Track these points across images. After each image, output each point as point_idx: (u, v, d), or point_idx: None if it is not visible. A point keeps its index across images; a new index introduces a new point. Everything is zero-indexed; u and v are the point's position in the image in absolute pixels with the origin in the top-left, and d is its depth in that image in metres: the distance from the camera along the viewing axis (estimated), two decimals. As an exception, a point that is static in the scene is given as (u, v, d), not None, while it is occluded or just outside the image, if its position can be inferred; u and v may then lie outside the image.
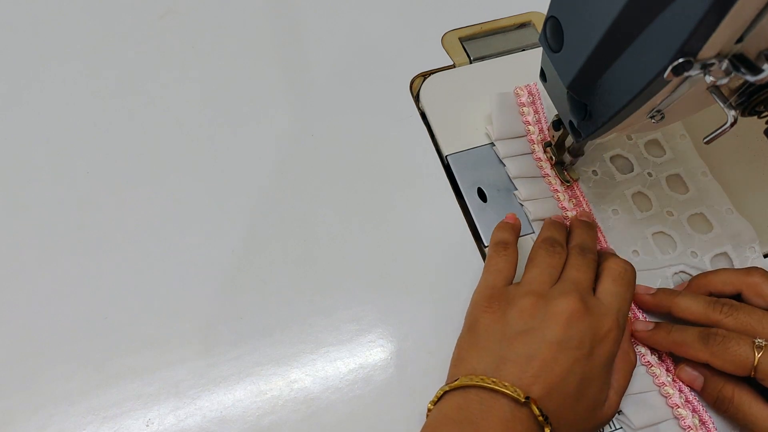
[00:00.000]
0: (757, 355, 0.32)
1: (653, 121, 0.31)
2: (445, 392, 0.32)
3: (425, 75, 0.48)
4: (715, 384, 0.35)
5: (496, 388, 0.31)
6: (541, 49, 0.35)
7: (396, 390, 0.37)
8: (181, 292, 0.39)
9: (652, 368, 0.37)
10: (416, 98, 0.47)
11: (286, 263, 0.40)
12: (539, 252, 0.37)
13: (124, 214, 0.41)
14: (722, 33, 0.24)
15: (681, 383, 0.36)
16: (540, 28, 0.39)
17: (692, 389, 0.36)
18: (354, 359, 0.38)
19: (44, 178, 0.42)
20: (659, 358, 0.37)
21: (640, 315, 0.39)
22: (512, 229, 0.39)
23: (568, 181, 0.43)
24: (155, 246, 0.40)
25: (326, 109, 0.46)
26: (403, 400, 0.36)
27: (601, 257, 0.38)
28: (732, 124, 0.28)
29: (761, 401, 0.33)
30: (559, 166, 0.43)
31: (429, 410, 0.33)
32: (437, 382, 0.37)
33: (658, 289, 0.39)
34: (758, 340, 0.33)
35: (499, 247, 0.38)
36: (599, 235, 0.41)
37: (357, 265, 0.40)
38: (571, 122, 0.36)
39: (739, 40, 0.25)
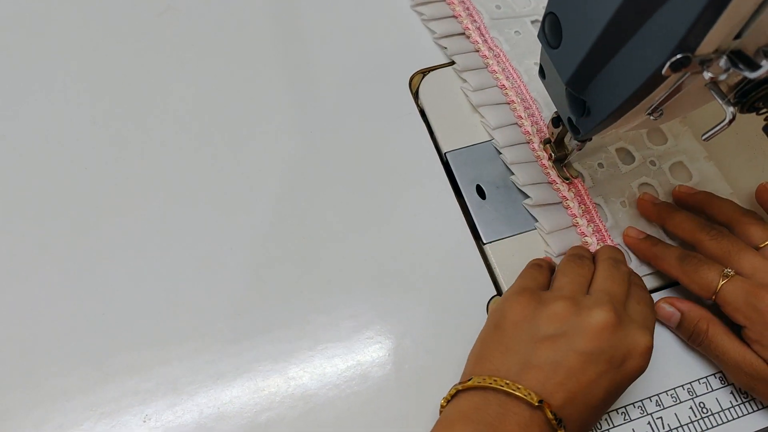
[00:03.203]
0: (722, 282, 0.35)
1: (652, 117, 0.31)
2: (461, 390, 0.32)
3: (424, 72, 0.48)
4: (690, 319, 0.37)
5: (515, 393, 0.30)
6: (540, 45, 0.35)
7: (393, 387, 0.37)
8: (179, 289, 0.39)
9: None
10: (415, 95, 0.47)
11: (284, 260, 0.40)
12: (568, 263, 0.37)
13: (122, 212, 0.41)
14: (720, 29, 0.24)
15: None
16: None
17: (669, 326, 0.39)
18: (352, 356, 0.38)
19: (43, 175, 0.42)
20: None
21: None
22: (546, 264, 0.39)
23: (567, 179, 0.43)
24: (153, 243, 0.40)
25: (324, 105, 0.46)
26: (400, 398, 0.36)
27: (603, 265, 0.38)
28: (731, 121, 0.28)
29: (732, 335, 0.36)
30: (558, 163, 0.43)
31: (442, 406, 0.33)
32: (434, 379, 0.37)
33: (661, 201, 0.41)
34: (727, 270, 0.36)
35: (533, 264, 0.39)
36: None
37: (355, 262, 0.40)
38: (570, 119, 0.36)
39: (738, 36, 0.25)
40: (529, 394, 0.30)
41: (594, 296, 0.34)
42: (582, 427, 0.31)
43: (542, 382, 0.31)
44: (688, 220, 0.39)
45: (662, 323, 0.39)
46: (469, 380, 0.32)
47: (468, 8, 0.50)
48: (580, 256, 0.38)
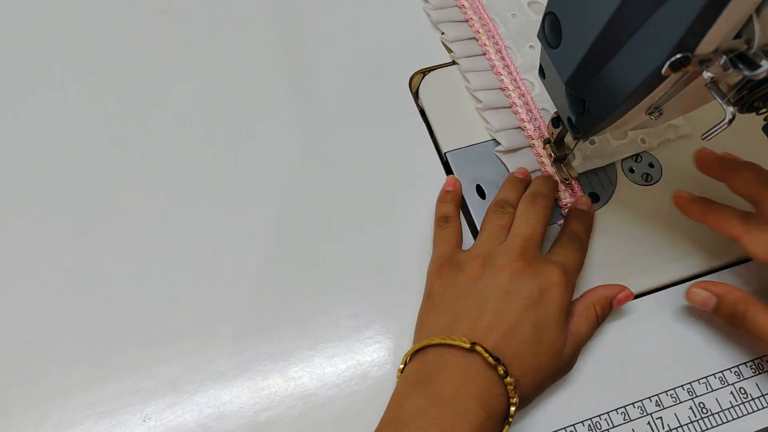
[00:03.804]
0: None
1: (652, 117, 0.31)
2: (406, 364, 0.34)
3: (424, 72, 0.48)
4: (728, 302, 0.36)
5: (446, 342, 0.32)
6: (540, 45, 0.35)
7: (393, 387, 0.36)
8: (178, 288, 0.39)
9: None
10: (415, 95, 0.47)
11: (284, 260, 0.40)
12: (490, 216, 0.39)
13: (122, 211, 0.41)
14: (720, 28, 0.24)
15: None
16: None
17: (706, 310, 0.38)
18: (351, 356, 0.38)
19: (43, 173, 0.42)
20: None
21: None
22: (452, 200, 0.41)
23: (567, 179, 0.43)
24: (153, 242, 0.40)
25: (324, 105, 0.46)
26: (400, 397, 0.36)
27: (566, 220, 0.40)
28: (730, 121, 0.28)
29: None
30: (558, 163, 0.43)
31: (398, 378, 0.34)
32: (435, 378, 0.37)
33: (724, 154, 0.38)
34: None
35: (441, 221, 0.40)
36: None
37: (355, 262, 0.40)
38: (569, 118, 0.36)
39: (737, 35, 0.25)
40: (461, 339, 0.32)
41: (506, 243, 0.36)
42: (523, 363, 0.33)
43: (472, 328, 0.33)
44: (754, 176, 0.36)
45: (695, 310, 0.38)
46: (410, 349, 0.34)
47: (481, 17, 0.49)
48: (502, 203, 0.39)
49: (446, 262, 0.37)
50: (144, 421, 0.35)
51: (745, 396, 0.37)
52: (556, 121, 0.41)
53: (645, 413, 0.37)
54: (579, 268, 0.38)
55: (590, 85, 0.31)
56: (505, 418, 0.32)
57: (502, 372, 0.31)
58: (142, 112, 0.45)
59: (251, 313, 0.38)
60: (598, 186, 0.44)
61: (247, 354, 0.37)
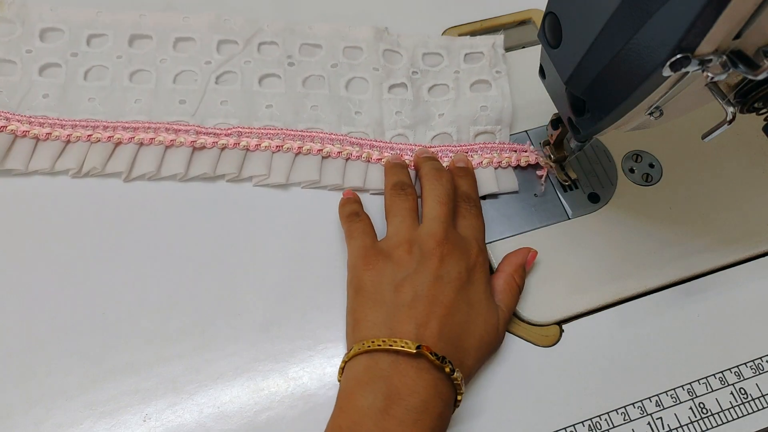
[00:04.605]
0: None
1: (652, 117, 0.31)
2: (348, 361, 0.34)
3: (425, 72, 0.48)
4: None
5: (394, 348, 0.32)
6: (540, 46, 0.35)
7: (393, 386, 0.37)
8: (178, 288, 0.39)
9: None
10: (416, 95, 0.47)
11: (283, 259, 0.40)
12: (394, 201, 0.39)
13: (122, 210, 0.41)
14: (720, 29, 0.24)
15: None
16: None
17: None
18: (352, 356, 0.38)
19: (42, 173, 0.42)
20: None
21: None
22: (356, 201, 0.41)
23: (566, 180, 0.43)
24: (153, 241, 0.40)
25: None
26: (400, 397, 0.36)
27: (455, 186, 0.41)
28: (730, 121, 0.28)
29: None
30: (557, 164, 0.43)
31: (339, 381, 0.34)
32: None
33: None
34: None
35: (351, 217, 0.40)
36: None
37: (355, 261, 0.40)
38: (570, 119, 0.36)
39: (737, 36, 0.25)
40: (407, 344, 0.32)
41: (425, 227, 0.37)
42: (463, 345, 0.34)
43: (413, 318, 0.33)
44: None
45: None
46: (352, 350, 0.33)
47: None
48: (401, 185, 0.40)
49: (371, 253, 0.36)
50: (144, 421, 0.35)
51: (745, 396, 0.37)
52: (555, 122, 0.41)
53: (645, 413, 0.37)
54: (485, 232, 0.40)
55: (590, 85, 0.31)
56: (455, 403, 0.33)
57: (448, 370, 0.32)
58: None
59: (251, 312, 0.38)
60: (598, 186, 0.44)
61: (247, 354, 0.37)
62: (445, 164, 0.43)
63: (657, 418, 0.36)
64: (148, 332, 0.37)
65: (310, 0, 0.51)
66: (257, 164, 0.42)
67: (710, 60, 0.25)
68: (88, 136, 0.42)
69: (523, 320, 0.39)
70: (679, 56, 0.25)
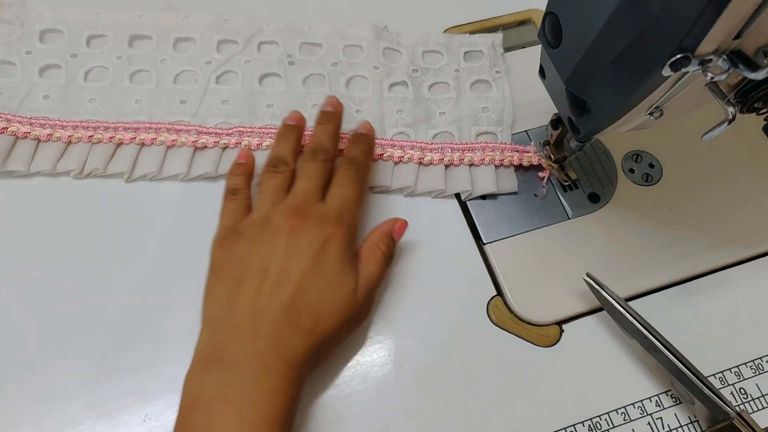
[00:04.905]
0: None
1: (652, 117, 0.31)
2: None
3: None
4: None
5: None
6: (540, 46, 0.35)
7: (392, 387, 0.37)
8: (178, 288, 0.39)
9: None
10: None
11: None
12: (264, 178, 0.39)
13: (124, 210, 0.41)
14: (720, 29, 0.24)
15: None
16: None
17: None
18: (351, 356, 0.37)
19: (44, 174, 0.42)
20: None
21: None
22: (243, 173, 0.40)
23: (566, 180, 0.43)
24: (154, 241, 0.40)
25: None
26: (399, 397, 0.36)
27: (345, 148, 0.41)
28: (730, 121, 0.28)
29: None
30: (557, 164, 0.43)
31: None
32: (434, 379, 0.37)
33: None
34: None
35: (229, 194, 0.39)
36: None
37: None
38: (570, 119, 0.36)
39: (737, 36, 0.25)
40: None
41: (283, 203, 0.37)
42: (317, 310, 0.34)
43: (258, 287, 0.33)
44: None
45: None
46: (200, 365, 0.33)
47: None
48: (275, 162, 0.39)
49: (228, 233, 0.37)
50: (144, 421, 0.35)
51: (745, 396, 0.37)
52: (555, 122, 0.41)
53: (645, 413, 0.37)
54: (357, 201, 0.38)
55: (590, 85, 0.31)
56: (307, 363, 0.33)
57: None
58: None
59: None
60: (598, 186, 0.44)
61: (248, 354, 0.37)
62: (446, 161, 0.43)
63: (657, 418, 0.36)
64: (148, 332, 0.37)
65: (310, 1, 0.51)
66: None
67: (710, 60, 0.25)
68: (89, 137, 0.42)
69: (523, 320, 0.39)
70: (679, 56, 0.25)
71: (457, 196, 0.43)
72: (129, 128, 0.42)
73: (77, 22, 0.46)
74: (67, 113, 0.43)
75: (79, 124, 0.42)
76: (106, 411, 0.35)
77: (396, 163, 0.43)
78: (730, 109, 0.28)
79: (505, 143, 0.44)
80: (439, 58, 0.48)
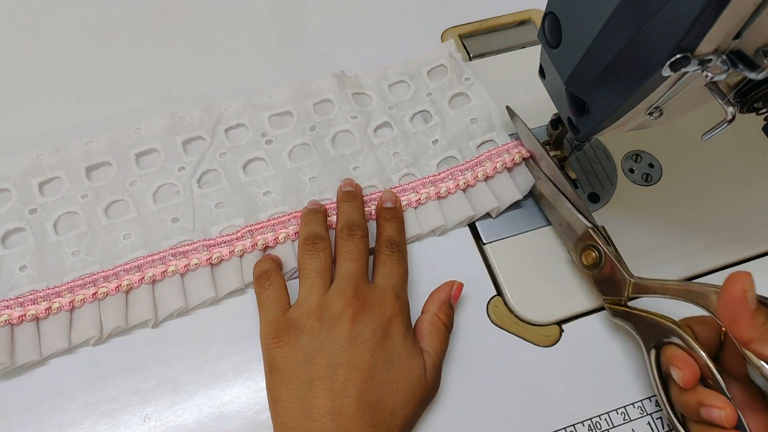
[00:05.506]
0: None
1: (652, 117, 0.31)
2: None
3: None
4: None
5: None
6: (540, 46, 0.35)
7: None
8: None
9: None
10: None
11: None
12: (304, 259, 0.37)
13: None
14: (720, 29, 0.24)
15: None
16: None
17: None
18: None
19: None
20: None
21: None
22: (270, 258, 0.39)
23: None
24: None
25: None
26: (400, 397, 0.36)
27: (378, 227, 0.40)
28: (730, 121, 0.28)
29: None
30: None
31: None
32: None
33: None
34: None
35: (261, 279, 0.37)
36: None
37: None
38: (569, 119, 0.36)
39: (737, 36, 0.25)
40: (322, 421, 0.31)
41: (334, 286, 0.35)
42: (390, 403, 0.32)
43: (329, 388, 0.32)
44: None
45: None
46: None
47: None
48: (312, 239, 0.37)
49: (281, 327, 0.34)
50: (144, 421, 0.35)
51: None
52: (555, 122, 0.41)
53: (645, 413, 0.37)
54: (406, 278, 0.37)
55: (590, 85, 0.31)
56: None
57: None
58: (142, 109, 0.45)
59: (251, 312, 0.38)
60: (598, 186, 0.44)
61: (247, 354, 0.37)
62: (461, 185, 0.42)
63: (657, 418, 0.36)
64: (148, 332, 0.37)
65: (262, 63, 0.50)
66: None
67: (710, 60, 0.25)
68: (93, 294, 0.36)
69: (523, 320, 0.39)
70: (679, 56, 0.25)
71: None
72: (131, 269, 0.37)
73: (20, 172, 0.40)
74: (54, 278, 0.37)
75: (73, 284, 0.37)
76: (105, 411, 0.35)
77: (416, 207, 0.42)
78: (730, 109, 0.28)
79: (505, 143, 0.44)
80: (406, 88, 0.46)
